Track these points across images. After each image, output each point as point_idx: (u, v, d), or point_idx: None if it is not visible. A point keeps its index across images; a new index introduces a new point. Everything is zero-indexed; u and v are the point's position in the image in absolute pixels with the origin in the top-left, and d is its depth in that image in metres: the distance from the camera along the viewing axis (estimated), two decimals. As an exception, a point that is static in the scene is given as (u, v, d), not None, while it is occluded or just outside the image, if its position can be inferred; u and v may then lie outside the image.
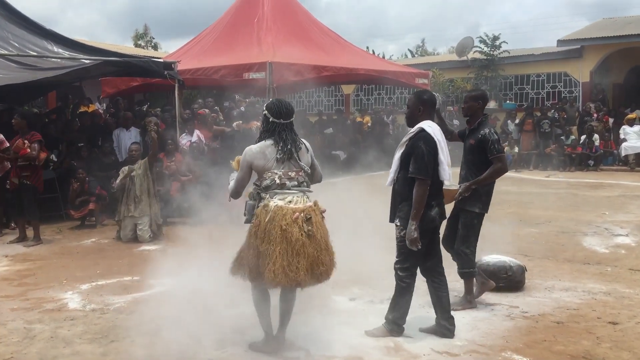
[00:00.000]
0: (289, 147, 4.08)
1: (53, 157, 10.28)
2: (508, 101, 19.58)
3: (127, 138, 10.72)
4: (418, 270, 4.58)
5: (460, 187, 5.12)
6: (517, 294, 5.57)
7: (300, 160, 4.14)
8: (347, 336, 4.55)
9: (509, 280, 5.65)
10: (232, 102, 15.92)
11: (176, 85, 10.45)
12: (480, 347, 4.35)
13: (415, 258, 4.45)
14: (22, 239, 8.17)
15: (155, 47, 35.75)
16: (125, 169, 8.38)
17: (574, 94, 18.92)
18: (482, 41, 19.73)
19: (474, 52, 19.91)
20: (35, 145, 7.93)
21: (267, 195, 4.06)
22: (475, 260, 5.33)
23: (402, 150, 4.47)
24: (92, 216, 9.36)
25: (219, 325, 4.78)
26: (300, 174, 4.14)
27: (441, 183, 4.48)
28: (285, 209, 3.97)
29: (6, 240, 8.25)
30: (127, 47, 26.00)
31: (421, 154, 4.30)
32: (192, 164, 9.60)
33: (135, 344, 4.44)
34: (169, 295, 5.64)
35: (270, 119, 4.13)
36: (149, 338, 4.56)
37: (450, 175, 4.50)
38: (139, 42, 36.52)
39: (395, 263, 4.52)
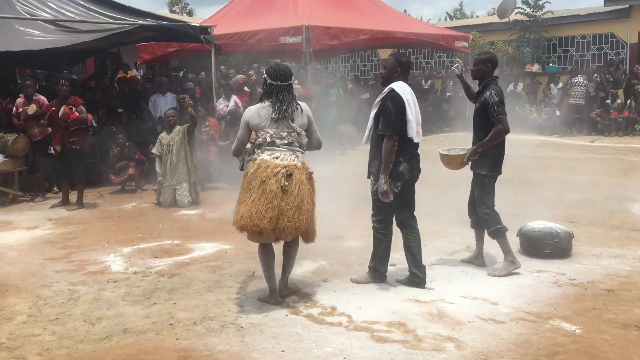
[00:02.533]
0: (284, 107, 4.32)
1: (93, 122, 10.37)
2: (551, 64, 18.88)
3: (164, 103, 10.72)
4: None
5: (467, 151, 5.22)
6: (564, 261, 5.40)
7: (293, 122, 4.38)
8: (389, 301, 4.49)
9: (556, 246, 5.47)
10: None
11: (212, 50, 10.33)
12: (527, 314, 4.22)
13: (388, 211, 4.74)
14: (65, 202, 8.31)
15: (190, 14, 35.69)
16: (163, 136, 8.40)
17: (620, 56, 18.09)
18: (525, 2, 18.98)
19: (516, 13, 19.18)
20: (81, 107, 8.00)
21: (259, 151, 4.36)
22: (518, 225, 5.34)
23: (375, 111, 4.69)
24: (132, 181, 9.45)
25: (259, 289, 4.77)
26: (292, 134, 4.39)
27: (410, 140, 4.63)
28: (269, 162, 4.27)
29: (49, 204, 8.40)
30: (162, 13, 25.93)
31: (388, 112, 4.54)
32: (229, 129, 9.57)
33: (177, 307, 4.46)
34: (209, 259, 5.66)
35: (268, 81, 4.39)
36: (190, 301, 4.58)
37: (418, 133, 4.66)
38: (174, 9, 36.49)
39: (372, 216, 4.84)
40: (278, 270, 4.67)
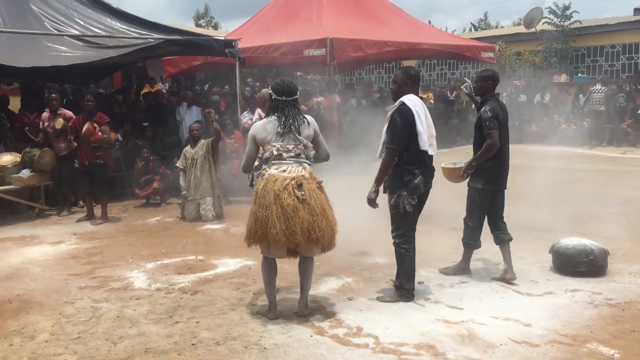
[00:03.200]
0: (290, 121, 4.37)
1: (119, 136, 10.44)
2: (580, 74, 18.56)
3: (189, 117, 10.74)
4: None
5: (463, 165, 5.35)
6: (599, 280, 5.19)
7: (299, 134, 4.41)
8: (418, 321, 4.34)
9: (590, 264, 5.26)
10: (294, 80, 15.76)
11: (237, 63, 10.34)
12: (562, 337, 4.04)
13: (407, 224, 4.71)
14: (90, 217, 8.32)
15: (215, 27, 36.03)
16: (187, 150, 8.39)
17: (652, 66, 17.75)
18: (552, 12, 18.75)
19: (543, 23, 18.96)
20: (106, 127, 8.03)
21: (266, 166, 4.39)
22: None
23: (386, 125, 4.71)
24: (157, 195, 9.45)
25: (283, 307, 4.67)
26: (299, 146, 4.41)
27: (423, 152, 4.63)
28: (277, 176, 4.28)
29: (74, 219, 8.43)
30: (188, 26, 26.21)
31: (394, 125, 4.58)
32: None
33: (200, 326, 4.37)
34: (233, 276, 5.58)
35: (274, 97, 4.45)
36: (213, 320, 4.49)
37: (431, 145, 4.66)
38: (200, 22, 36.90)
39: (392, 231, 4.78)
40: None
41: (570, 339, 4.00)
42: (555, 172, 10.66)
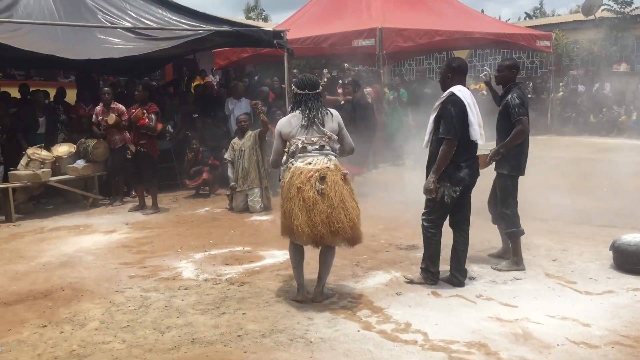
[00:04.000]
0: (313, 113, 4.46)
1: (169, 128, 10.58)
2: (642, 63, 17.76)
3: (238, 108, 10.77)
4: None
5: (490, 152, 5.33)
6: (664, 279, 4.91)
7: (324, 127, 4.48)
8: (469, 319, 4.19)
9: (654, 262, 4.98)
10: (340, 72, 15.63)
11: (285, 54, 10.29)
12: (623, 338, 3.82)
13: (441, 212, 4.78)
14: (141, 207, 8.47)
15: (265, 19, 36.19)
16: (235, 141, 8.41)
17: None
18: (612, -2, 17.95)
19: (602, 10, 18.17)
20: (153, 116, 8.12)
21: (292, 160, 4.46)
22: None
23: (435, 114, 4.75)
24: (206, 186, 9.53)
25: (332, 302, 4.59)
26: (323, 139, 4.47)
27: (473, 143, 4.69)
28: (302, 169, 4.35)
29: (127, 208, 8.59)
30: (238, 19, 26.41)
31: (449, 115, 4.59)
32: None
33: (246, 318, 4.34)
34: (279, 267, 5.55)
35: (297, 92, 4.56)
36: (259, 312, 4.46)
37: (481, 135, 4.71)
38: (250, 15, 37.13)
39: (422, 214, 4.89)
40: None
41: (633, 341, 3.78)
42: (615, 165, 10.21)
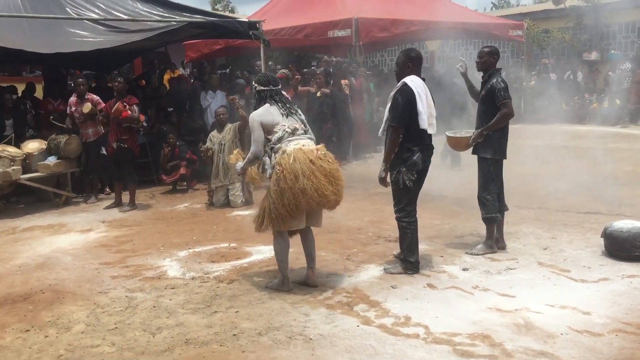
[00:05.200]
0: (287, 105, 4.63)
1: (144, 122, 10.27)
2: (612, 51, 17.96)
3: (215, 102, 10.54)
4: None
5: (472, 134, 5.43)
6: (656, 264, 4.91)
7: (300, 115, 4.69)
8: (468, 310, 4.12)
9: (647, 248, 4.98)
10: (319, 62, 15.44)
11: (261, 46, 10.08)
12: (626, 325, 3.79)
13: (407, 199, 4.89)
14: (118, 204, 8.20)
15: (232, 11, 35.64)
16: (214, 134, 8.21)
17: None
18: (581, -14, 18.11)
19: (571, -2, 18.35)
20: (135, 107, 7.86)
21: (282, 145, 4.49)
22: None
23: (389, 104, 4.89)
24: (184, 181, 9.30)
25: (327, 297, 4.48)
26: (302, 126, 4.65)
27: (422, 131, 4.80)
28: (305, 149, 4.47)
29: (102, 206, 8.32)
30: (206, 11, 25.95)
31: (396, 104, 4.78)
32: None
33: (240, 316, 4.19)
34: (268, 264, 5.39)
35: (260, 88, 4.66)
36: (252, 309, 4.32)
37: (431, 125, 4.83)
38: (217, 7, 36.56)
39: (393, 206, 4.98)
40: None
41: (636, 328, 3.75)
42: (591, 152, 10.29)
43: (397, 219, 4.96)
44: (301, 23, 12.50)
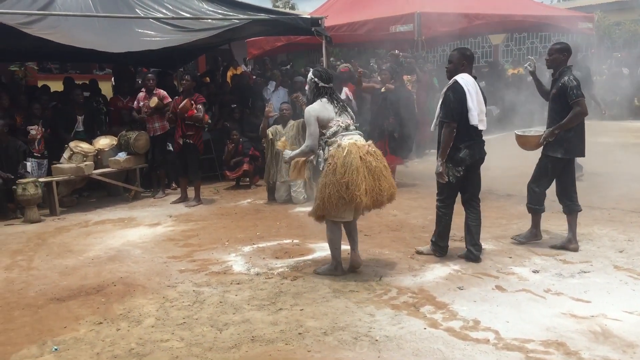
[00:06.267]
0: (341, 103, 4.96)
1: (208, 120, 10.46)
2: (689, 43, 17.05)
3: (276, 97, 10.62)
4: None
5: (543, 132, 5.38)
6: None
7: (350, 112, 4.96)
8: (541, 315, 3.98)
9: None
10: (379, 58, 15.31)
11: (323, 42, 10.08)
12: None
13: (450, 192, 5.17)
14: (183, 199, 8.39)
15: (292, 9, 35.87)
16: (278, 128, 8.26)
17: None
18: (656, -24, 17.25)
19: (646, -11, 17.49)
20: (200, 106, 8.03)
21: (336, 139, 4.74)
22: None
23: (441, 100, 5.08)
24: (246, 177, 9.42)
25: (391, 297, 4.42)
26: (353, 123, 4.94)
27: (472, 127, 4.97)
28: (358, 144, 4.71)
29: (169, 201, 8.53)
30: (268, 9, 26.19)
31: (448, 101, 4.97)
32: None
33: (305, 314, 4.20)
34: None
35: (320, 84, 4.91)
36: (317, 307, 4.31)
37: (481, 121, 4.98)
38: (277, 4, 36.85)
39: (436, 195, 5.29)
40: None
41: None
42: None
43: (437, 207, 5.29)
44: (362, 19, 12.41)
